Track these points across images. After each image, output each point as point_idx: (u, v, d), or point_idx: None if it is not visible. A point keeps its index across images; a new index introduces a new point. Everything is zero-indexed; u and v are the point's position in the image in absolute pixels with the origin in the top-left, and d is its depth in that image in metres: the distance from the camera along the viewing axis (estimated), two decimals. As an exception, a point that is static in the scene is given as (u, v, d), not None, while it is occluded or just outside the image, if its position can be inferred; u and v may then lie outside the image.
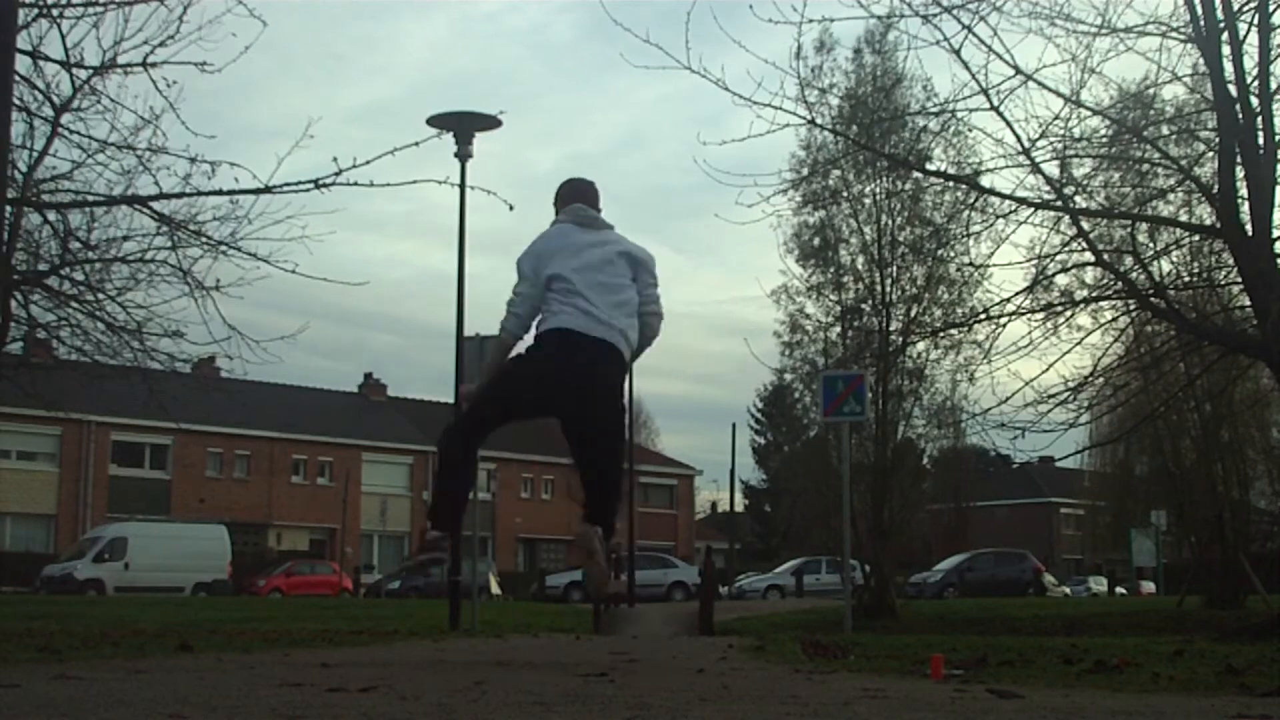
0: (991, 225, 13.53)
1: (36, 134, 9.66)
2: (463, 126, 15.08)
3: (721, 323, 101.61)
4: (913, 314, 21.07)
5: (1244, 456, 23.74)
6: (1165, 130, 12.65)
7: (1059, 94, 11.63)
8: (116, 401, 28.77)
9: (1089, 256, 12.90)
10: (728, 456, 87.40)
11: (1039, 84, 11.56)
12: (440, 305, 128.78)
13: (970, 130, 13.86)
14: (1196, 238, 14.44)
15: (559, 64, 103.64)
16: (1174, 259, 15.58)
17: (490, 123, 15.24)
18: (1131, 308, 13.52)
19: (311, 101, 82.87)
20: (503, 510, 55.32)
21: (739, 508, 63.56)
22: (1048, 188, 12.26)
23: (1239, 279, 12.16)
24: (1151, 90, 12.42)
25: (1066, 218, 12.50)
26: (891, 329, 20.91)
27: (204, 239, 9.72)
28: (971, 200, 13.70)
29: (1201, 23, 11.14)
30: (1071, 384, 12.98)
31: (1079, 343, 13.52)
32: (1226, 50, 11.14)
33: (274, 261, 9.45)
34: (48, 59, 9.20)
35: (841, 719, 3.62)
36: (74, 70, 9.31)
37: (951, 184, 15.77)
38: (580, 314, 5.68)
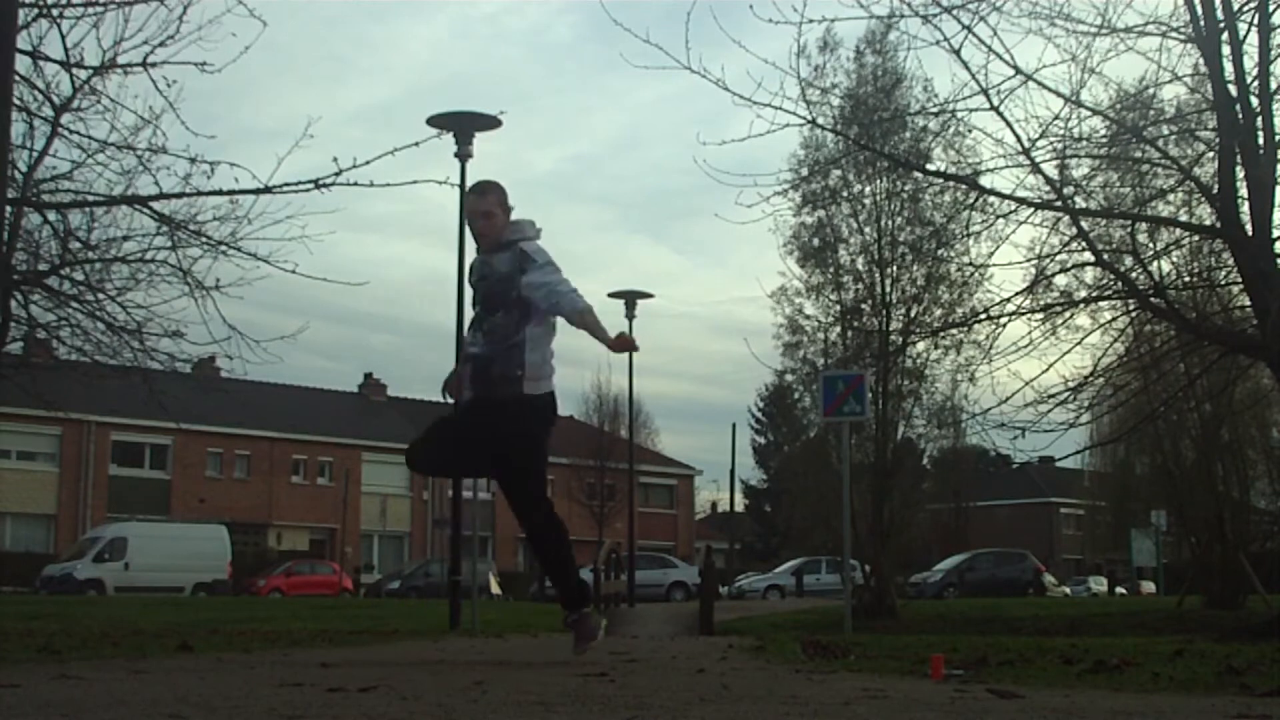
0: (991, 225, 13.56)
1: (36, 134, 9.66)
2: (463, 127, 15.09)
3: (721, 323, 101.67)
4: (913, 314, 21.06)
5: (1244, 456, 23.74)
6: (1165, 130, 12.66)
7: (1059, 94, 11.65)
8: (116, 401, 28.81)
9: (1089, 256, 12.91)
10: (728, 456, 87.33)
11: (1039, 84, 11.58)
12: (440, 305, 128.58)
13: (970, 130, 13.87)
14: (1196, 238, 14.46)
15: (559, 65, 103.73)
16: (1174, 259, 15.61)
17: (490, 123, 15.24)
18: (1131, 308, 13.53)
19: (311, 101, 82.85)
20: (503, 510, 55.23)
21: (739, 508, 63.57)
22: (1048, 188, 12.28)
23: (1239, 279, 12.17)
24: (1151, 90, 12.44)
25: (1066, 218, 12.51)
26: (891, 329, 20.90)
27: (204, 239, 9.72)
28: (971, 200, 13.72)
29: (1201, 23, 11.14)
30: (1071, 384, 13.00)
31: (1079, 343, 13.56)
32: (1226, 50, 11.15)
33: (274, 261, 9.46)
34: (48, 59, 9.20)
35: (841, 719, 3.62)
36: (74, 70, 9.30)
37: (951, 184, 15.78)
38: None
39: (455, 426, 6.27)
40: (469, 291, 6.21)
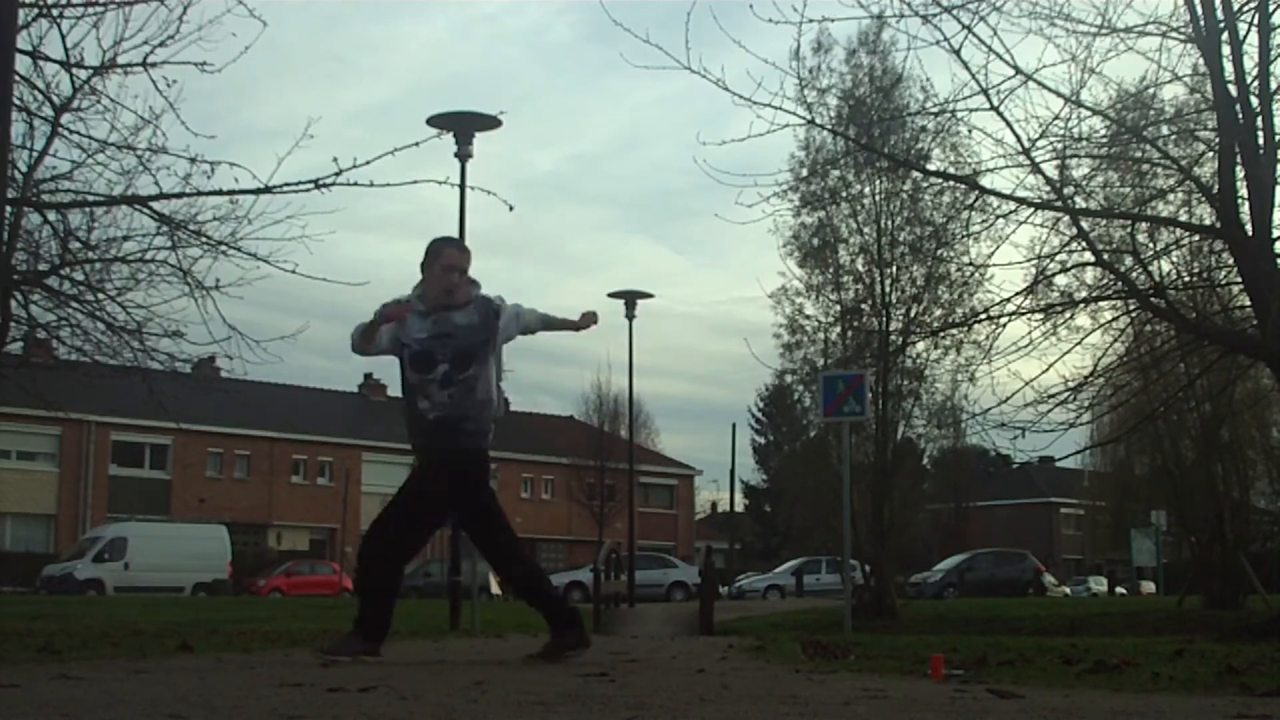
0: (991, 225, 13.55)
1: (36, 134, 9.64)
2: (463, 127, 15.10)
3: (721, 323, 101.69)
4: (913, 314, 21.07)
5: (1244, 456, 23.72)
6: (1165, 130, 12.66)
7: (1059, 94, 11.65)
8: (116, 401, 28.81)
9: (1089, 256, 12.91)
10: (728, 456, 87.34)
11: (1039, 84, 11.57)
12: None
13: (970, 131, 13.88)
14: (1196, 238, 14.45)
15: (559, 65, 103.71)
16: (1174, 259, 15.59)
17: (490, 123, 15.26)
18: (1131, 308, 13.53)
19: (311, 101, 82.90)
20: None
21: (739, 508, 63.62)
22: (1048, 188, 12.27)
23: (1239, 279, 12.17)
24: (1151, 90, 12.44)
25: (1066, 218, 12.51)
26: (891, 329, 20.91)
27: (204, 239, 9.72)
28: (971, 200, 13.72)
29: (1201, 23, 11.14)
30: (1071, 384, 12.99)
31: (1079, 343, 13.56)
32: (1226, 50, 11.15)
33: (274, 261, 9.45)
34: (48, 59, 9.19)
35: (841, 719, 3.62)
36: (74, 70, 9.29)
37: (951, 184, 15.79)
38: None
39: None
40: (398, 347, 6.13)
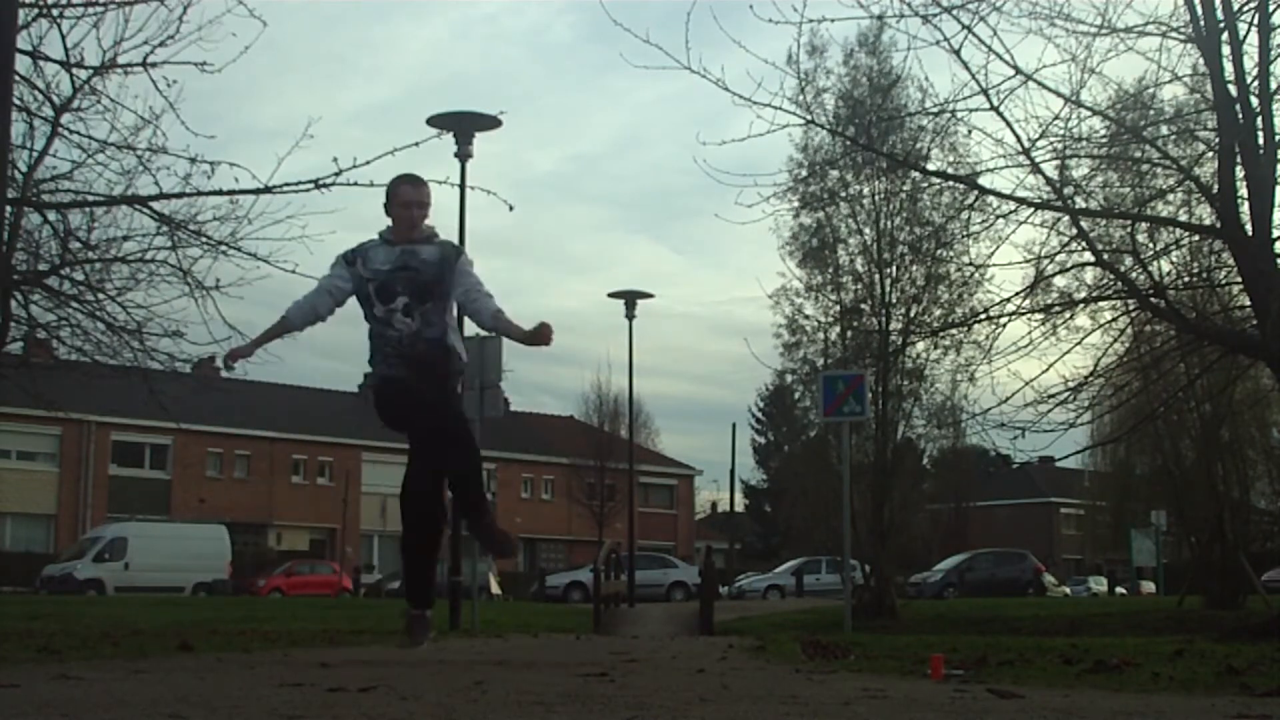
0: (991, 225, 13.55)
1: (36, 134, 9.68)
2: (463, 127, 15.12)
3: (721, 323, 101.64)
4: (912, 314, 21.07)
5: (1244, 456, 23.73)
6: (1165, 130, 12.66)
7: (1059, 94, 11.66)
8: (116, 401, 28.80)
9: (1089, 257, 12.91)
10: (728, 456, 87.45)
11: (1039, 84, 11.58)
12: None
13: (969, 131, 13.87)
14: (1196, 238, 14.45)
15: (558, 65, 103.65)
16: (1174, 259, 15.59)
17: (490, 123, 15.27)
18: (1131, 308, 13.53)
19: (311, 102, 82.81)
20: (503, 510, 55.33)
21: (739, 508, 63.59)
22: (1048, 188, 12.28)
23: (1239, 279, 12.17)
24: (1151, 90, 12.45)
25: (1066, 218, 12.51)
26: (891, 329, 20.91)
27: (204, 239, 9.75)
28: (971, 200, 13.72)
29: (1201, 23, 11.14)
30: (1071, 384, 12.99)
31: (1079, 343, 13.56)
32: (1226, 50, 11.15)
33: (274, 261, 9.49)
34: (48, 59, 9.21)
35: (841, 719, 3.62)
36: (74, 70, 9.31)
37: (950, 184, 15.79)
38: None
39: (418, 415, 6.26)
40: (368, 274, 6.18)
